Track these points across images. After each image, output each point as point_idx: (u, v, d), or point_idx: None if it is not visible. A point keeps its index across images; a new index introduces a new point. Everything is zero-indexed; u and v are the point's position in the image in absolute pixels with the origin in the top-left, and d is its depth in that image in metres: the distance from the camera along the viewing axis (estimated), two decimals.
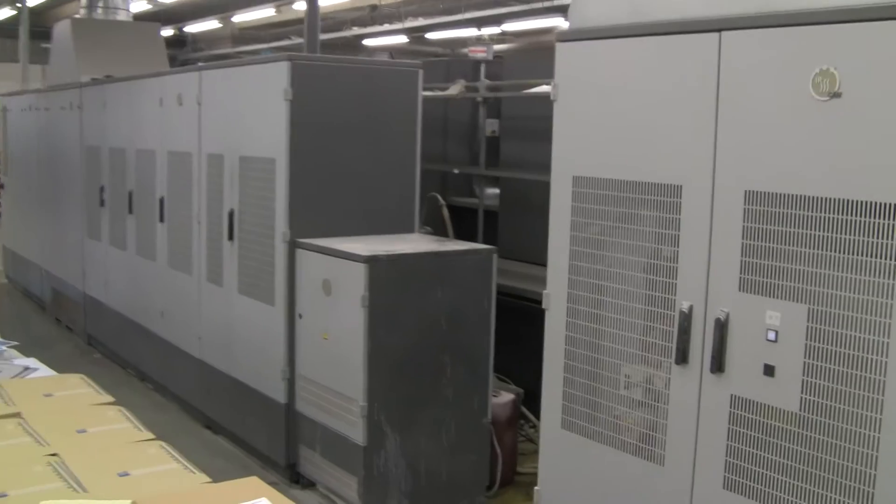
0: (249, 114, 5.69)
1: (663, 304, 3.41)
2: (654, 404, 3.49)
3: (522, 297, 6.30)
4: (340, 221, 5.50)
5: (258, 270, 5.67)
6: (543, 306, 3.92)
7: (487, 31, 15.49)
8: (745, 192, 3.09)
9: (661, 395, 3.46)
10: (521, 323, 5.96)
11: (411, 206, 5.84)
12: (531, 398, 6.09)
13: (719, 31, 3.12)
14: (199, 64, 8.02)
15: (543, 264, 7.18)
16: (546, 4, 12.24)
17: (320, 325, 5.21)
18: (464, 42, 15.17)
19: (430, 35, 14.51)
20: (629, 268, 3.54)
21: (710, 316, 3.24)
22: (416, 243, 5.41)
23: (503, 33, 15.74)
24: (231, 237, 5.92)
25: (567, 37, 3.68)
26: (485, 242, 6.83)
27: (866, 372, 2.81)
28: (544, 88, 6.85)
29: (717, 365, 3.21)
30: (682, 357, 3.33)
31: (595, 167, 3.62)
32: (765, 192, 3.03)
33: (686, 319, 3.31)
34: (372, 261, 4.83)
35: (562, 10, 12.98)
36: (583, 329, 3.75)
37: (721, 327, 3.19)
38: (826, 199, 2.87)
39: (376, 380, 4.88)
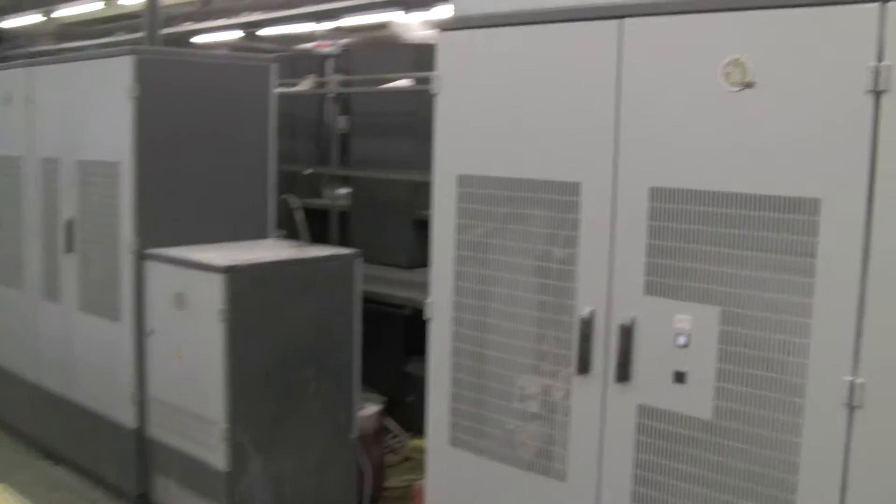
0: (89, 113, 5.21)
1: (562, 311, 3.21)
2: (553, 417, 3.29)
3: (376, 300, 6.06)
4: (192, 229, 5.10)
5: (102, 284, 5.20)
6: (426, 316, 3.66)
7: (324, 26, 15.10)
8: (651, 188, 2.92)
9: (561, 407, 3.25)
10: (376, 327, 5.71)
11: (266, 210, 5.50)
12: (391, 406, 5.89)
13: (620, 17, 2.93)
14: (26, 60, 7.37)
15: (397, 266, 7.05)
16: None
17: (174, 342, 4.81)
18: (298, 38, 14.75)
19: (265, 31, 14.04)
20: (522, 273, 3.32)
21: (613, 322, 3.06)
22: (275, 250, 5.07)
23: (338, 28, 15.39)
24: (70, 249, 5.42)
25: (450, 25, 3.42)
26: (338, 245, 6.60)
27: (786, 375, 2.68)
28: (400, 83, 6.63)
29: (623, 373, 3.03)
30: (584, 366, 3.14)
31: (483, 165, 3.38)
32: (672, 189, 2.87)
33: (587, 326, 3.11)
34: (230, 271, 4.47)
35: (402, 4, 12.72)
36: (472, 339, 3.51)
37: (626, 333, 3.01)
38: (738, 194, 2.72)
39: (238, 399, 4.52)
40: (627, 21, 2.92)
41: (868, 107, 2.45)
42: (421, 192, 7.18)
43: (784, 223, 2.64)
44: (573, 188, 3.12)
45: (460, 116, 3.44)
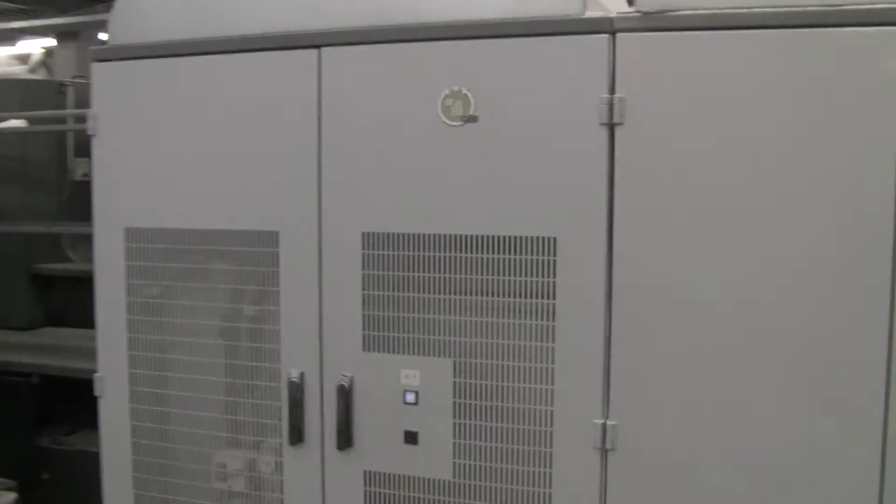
0: None
1: (265, 375, 2.84)
2: (261, 495, 2.91)
3: None
4: None
5: None
6: (97, 393, 3.12)
7: None
8: (363, 234, 2.64)
9: (272, 483, 2.88)
10: None
11: None
12: (24, 488, 5.18)
13: (318, 46, 2.61)
14: None
15: (14, 328, 6.23)
16: None
17: None
18: None
19: None
20: (212, 336, 2.92)
21: (329, 383, 2.74)
22: None
23: None
24: None
25: (109, 55, 2.91)
26: None
27: (531, 425, 2.52)
28: (9, 123, 5.87)
29: (345, 440, 2.72)
30: (297, 436, 2.79)
31: (157, 216, 2.92)
32: (389, 234, 2.61)
33: (298, 390, 2.77)
34: None
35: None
36: (154, 415, 3.04)
37: (345, 395, 2.71)
38: (466, 236, 2.53)
39: None
40: (325, 50, 2.61)
41: (602, 140, 2.34)
42: (36, 245, 6.44)
43: (519, 264, 2.47)
44: (270, 238, 2.77)
45: (126, 160, 2.94)
